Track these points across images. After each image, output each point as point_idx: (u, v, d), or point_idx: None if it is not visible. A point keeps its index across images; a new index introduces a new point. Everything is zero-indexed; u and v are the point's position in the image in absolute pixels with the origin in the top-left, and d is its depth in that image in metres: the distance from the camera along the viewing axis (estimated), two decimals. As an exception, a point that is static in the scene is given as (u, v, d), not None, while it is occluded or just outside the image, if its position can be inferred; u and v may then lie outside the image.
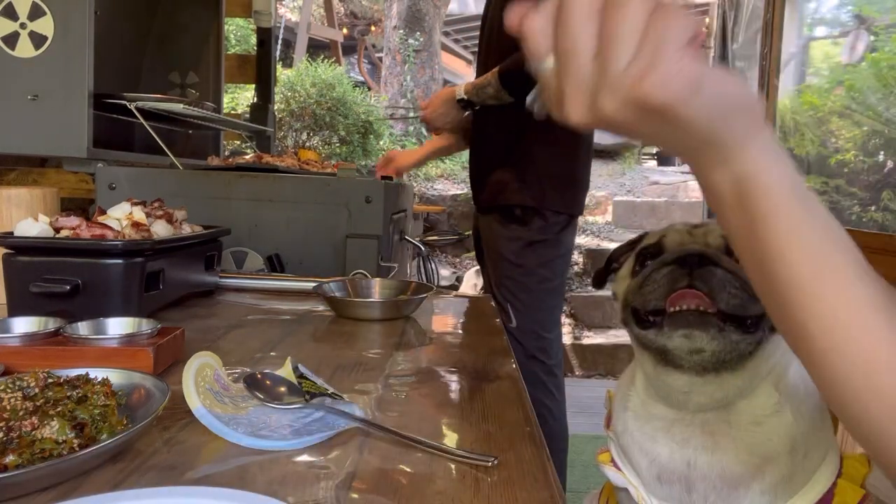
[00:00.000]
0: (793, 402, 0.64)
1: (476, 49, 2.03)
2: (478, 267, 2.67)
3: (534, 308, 1.75)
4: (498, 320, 1.13)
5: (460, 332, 1.07)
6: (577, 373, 4.06)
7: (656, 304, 0.60)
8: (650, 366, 0.66)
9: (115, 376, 0.61)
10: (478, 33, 1.94)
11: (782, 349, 0.63)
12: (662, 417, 0.67)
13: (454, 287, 4.45)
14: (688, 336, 0.59)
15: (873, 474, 0.64)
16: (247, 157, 1.85)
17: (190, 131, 2.22)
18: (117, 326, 0.78)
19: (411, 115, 2.52)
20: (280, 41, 7.65)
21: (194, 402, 0.59)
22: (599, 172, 7.55)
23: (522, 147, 1.71)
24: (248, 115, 2.64)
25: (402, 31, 7.91)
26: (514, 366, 0.84)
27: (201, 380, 0.62)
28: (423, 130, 7.93)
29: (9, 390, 0.53)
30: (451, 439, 0.61)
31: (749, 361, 0.61)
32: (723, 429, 0.64)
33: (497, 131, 1.76)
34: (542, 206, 1.71)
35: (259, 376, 0.68)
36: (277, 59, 3.55)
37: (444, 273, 5.19)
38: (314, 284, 1.16)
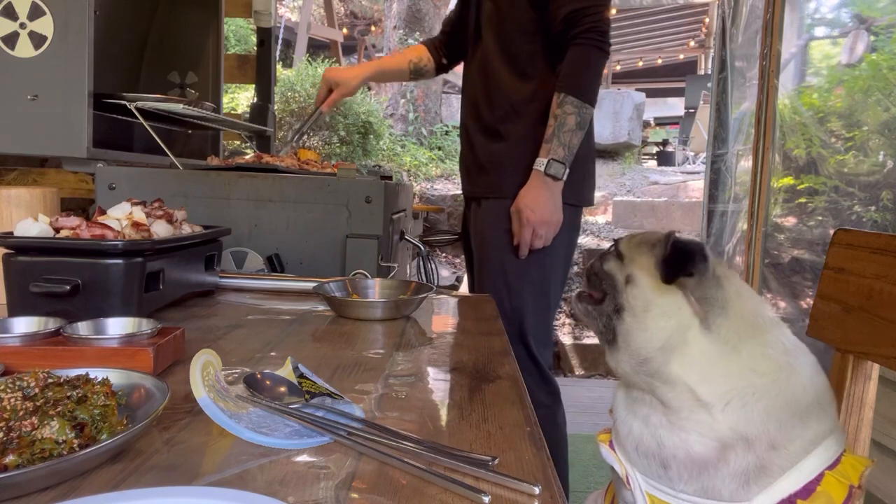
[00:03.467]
0: (727, 401, 0.69)
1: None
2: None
3: None
4: (498, 322, 1.13)
5: (460, 332, 1.07)
6: (577, 373, 4.05)
7: None
8: None
9: (115, 376, 0.61)
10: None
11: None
12: (633, 396, 0.78)
13: (454, 287, 4.45)
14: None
15: (875, 475, 0.64)
16: (246, 157, 1.85)
17: (189, 131, 2.22)
18: (117, 326, 0.78)
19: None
20: (280, 41, 7.66)
21: (200, 392, 0.59)
22: (599, 172, 7.54)
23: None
24: (247, 115, 2.64)
25: (402, 31, 7.91)
26: (514, 365, 0.84)
27: (206, 374, 0.62)
28: (423, 130, 7.93)
29: (9, 390, 0.53)
30: (451, 439, 0.61)
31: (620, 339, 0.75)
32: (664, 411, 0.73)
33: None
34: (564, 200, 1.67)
35: (259, 376, 0.68)
36: (277, 59, 3.55)
37: (444, 273, 5.19)
38: (314, 284, 1.16)
